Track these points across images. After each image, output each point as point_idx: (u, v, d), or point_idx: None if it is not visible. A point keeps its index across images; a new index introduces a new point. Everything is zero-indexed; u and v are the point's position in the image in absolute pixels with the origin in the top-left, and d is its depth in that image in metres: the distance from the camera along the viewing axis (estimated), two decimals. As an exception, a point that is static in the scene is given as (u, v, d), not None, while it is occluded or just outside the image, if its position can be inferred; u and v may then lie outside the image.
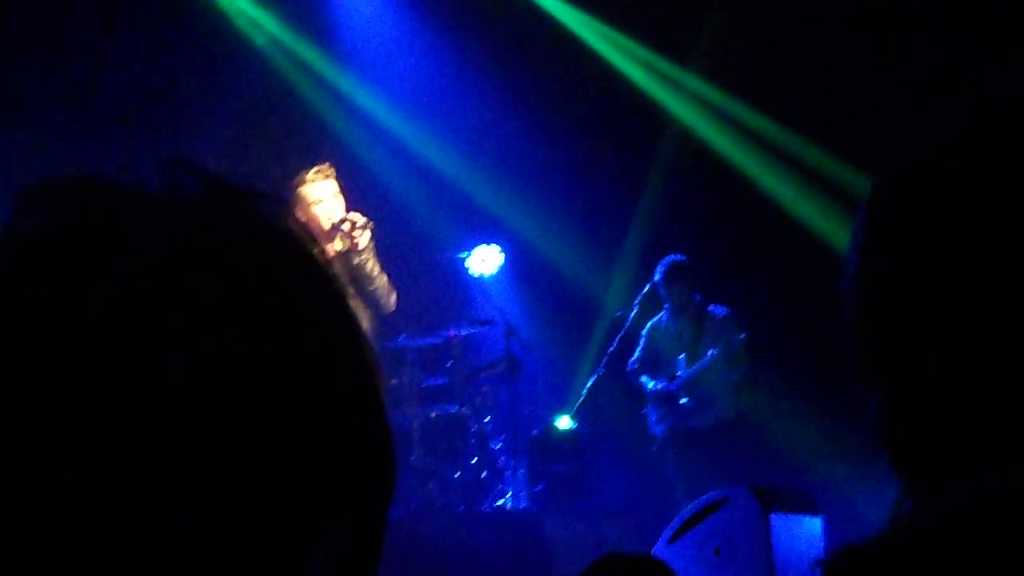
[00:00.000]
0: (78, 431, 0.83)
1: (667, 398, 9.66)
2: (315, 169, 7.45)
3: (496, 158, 11.46)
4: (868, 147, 10.05)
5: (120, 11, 10.50)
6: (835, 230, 10.69)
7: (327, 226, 7.40)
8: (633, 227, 11.53)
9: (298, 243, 0.95)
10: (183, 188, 0.94)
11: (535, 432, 10.29)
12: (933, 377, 1.18)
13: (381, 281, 7.46)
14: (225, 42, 11.01)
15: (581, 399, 10.06)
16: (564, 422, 10.19)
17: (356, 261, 7.36)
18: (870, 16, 10.37)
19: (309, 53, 11.39)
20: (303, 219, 7.03)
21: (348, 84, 11.46)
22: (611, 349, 9.95)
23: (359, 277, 7.35)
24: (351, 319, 0.96)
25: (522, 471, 9.94)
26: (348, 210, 7.51)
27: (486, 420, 9.76)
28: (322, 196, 7.47)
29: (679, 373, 9.63)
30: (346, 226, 7.43)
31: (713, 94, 11.34)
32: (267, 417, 0.87)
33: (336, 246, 7.47)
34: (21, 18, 10.16)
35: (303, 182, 7.42)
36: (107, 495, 0.83)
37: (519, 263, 11.24)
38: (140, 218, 0.90)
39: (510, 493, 9.75)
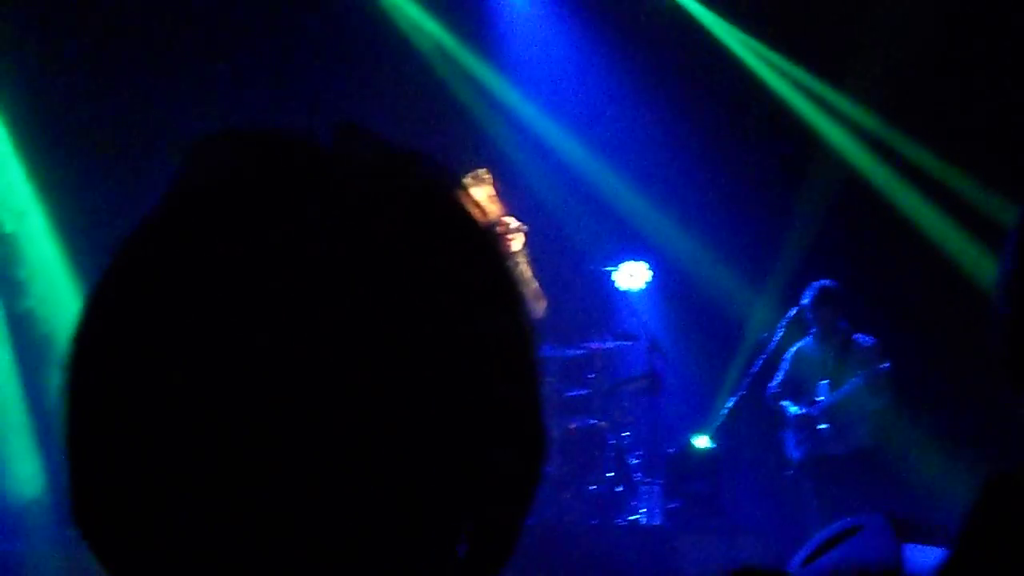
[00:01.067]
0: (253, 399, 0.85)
1: (807, 423, 9.57)
2: (472, 174, 7.45)
3: (650, 174, 11.45)
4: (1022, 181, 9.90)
5: (285, 10, 10.74)
6: (984, 267, 10.52)
7: None
8: (783, 250, 11.44)
9: (469, 214, 0.96)
10: (356, 150, 0.95)
11: (672, 450, 10.25)
12: None
13: (531, 287, 7.44)
14: (390, 45, 11.18)
15: (720, 419, 9.99)
16: (702, 441, 10.13)
17: None
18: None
19: (470, 59, 11.51)
20: None
21: (508, 91, 11.54)
22: (753, 371, 9.87)
23: None
24: (518, 298, 0.96)
25: (658, 487, 9.92)
26: (504, 215, 7.52)
27: (624, 434, 9.76)
28: (478, 200, 7.45)
29: (820, 399, 9.54)
30: (499, 229, 7.42)
31: (867, 119, 11.22)
32: (430, 391, 0.88)
33: None
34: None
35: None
36: (295, 457, 0.85)
37: (666, 280, 11.22)
38: (318, 175, 0.91)
39: (644, 509, 9.74)
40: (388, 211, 0.91)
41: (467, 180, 7.44)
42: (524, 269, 7.49)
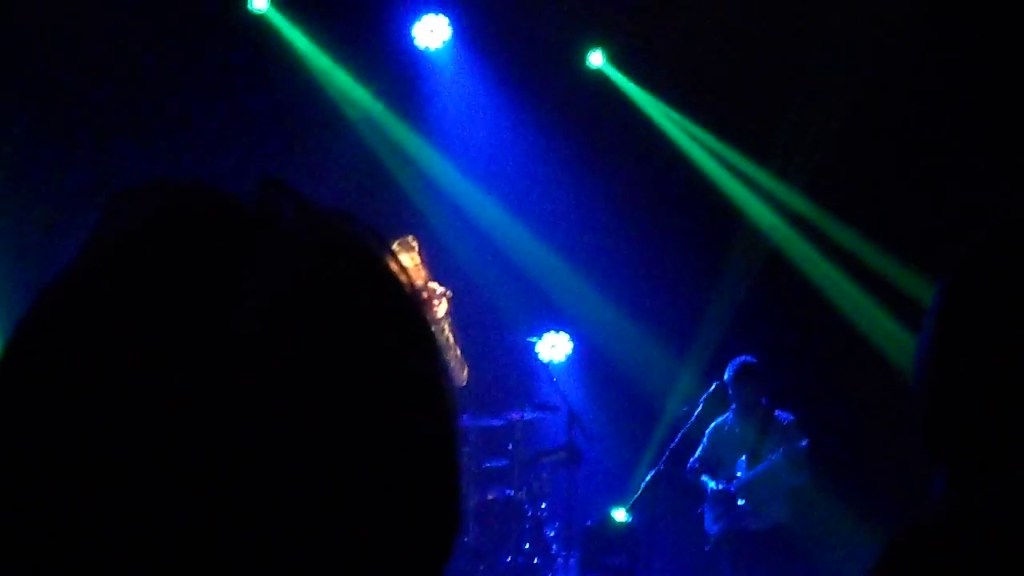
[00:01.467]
0: (159, 440, 0.83)
1: (725, 498, 9.58)
2: (399, 240, 7.47)
3: (574, 245, 11.49)
4: (945, 261, 10.01)
5: (217, 72, 10.71)
6: (902, 345, 10.64)
7: None
8: (704, 325, 11.50)
9: (392, 275, 0.95)
10: (278, 207, 0.93)
11: (590, 522, 10.22)
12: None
13: (454, 354, 7.38)
14: (319, 112, 11.19)
15: (639, 493, 9.96)
16: (620, 515, 10.11)
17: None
18: (947, 129, 10.39)
19: (398, 127, 11.53)
20: None
21: (434, 160, 11.58)
22: (672, 445, 9.86)
23: None
24: (434, 350, 0.95)
25: (574, 560, 9.87)
26: (429, 281, 7.48)
27: (542, 506, 9.72)
28: (404, 266, 7.32)
29: (739, 474, 9.57)
30: (424, 295, 7.39)
31: (790, 196, 11.34)
32: (344, 443, 0.87)
33: None
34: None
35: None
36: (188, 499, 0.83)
37: (587, 352, 11.23)
38: (239, 230, 0.90)
39: (560, 582, 9.69)
40: (309, 268, 0.89)
41: (394, 246, 7.34)
42: (448, 336, 7.46)
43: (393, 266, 0.96)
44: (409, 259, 7.47)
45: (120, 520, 0.83)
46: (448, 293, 7.33)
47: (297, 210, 0.94)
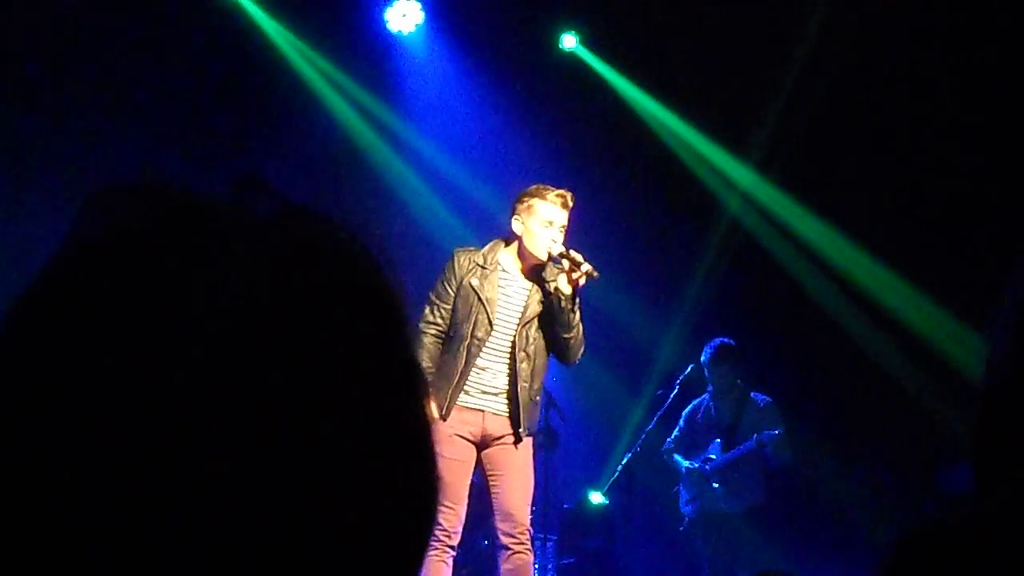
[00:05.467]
0: (121, 443, 0.83)
1: (700, 479, 9.61)
2: (559, 191, 6.86)
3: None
4: (917, 251, 10.09)
5: (189, 60, 10.67)
6: (876, 335, 10.71)
7: (543, 253, 6.77)
8: (681, 308, 11.52)
9: (369, 269, 0.95)
10: (254, 205, 0.94)
11: (567, 505, 10.24)
12: None
13: (579, 331, 6.87)
14: (295, 99, 11.16)
15: (615, 476, 9.98)
16: (597, 497, 10.13)
17: (563, 304, 6.73)
18: (917, 126, 10.43)
19: (372, 113, 11.52)
20: (524, 229, 6.62)
21: (409, 145, 11.57)
22: (649, 427, 9.88)
23: (560, 321, 6.78)
24: (408, 349, 0.96)
25: (551, 543, 9.88)
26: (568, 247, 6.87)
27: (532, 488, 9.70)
28: (554, 219, 6.78)
29: (713, 456, 9.59)
30: (565, 263, 6.78)
31: (764, 179, 11.36)
32: (321, 442, 0.87)
33: (544, 276, 6.86)
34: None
35: (543, 197, 6.80)
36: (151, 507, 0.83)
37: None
38: (212, 232, 0.90)
39: (538, 565, 9.68)
40: (283, 268, 0.89)
41: (553, 195, 6.82)
42: (578, 313, 6.82)
43: (370, 264, 0.95)
44: (563, 216, 6.84)
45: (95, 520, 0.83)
46: (596, 275, 6.81)
47: (273, 208, 0.94)
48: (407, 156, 11.60)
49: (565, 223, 6.87)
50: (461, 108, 11.65)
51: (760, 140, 11.18)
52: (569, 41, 11.54)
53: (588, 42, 11.56)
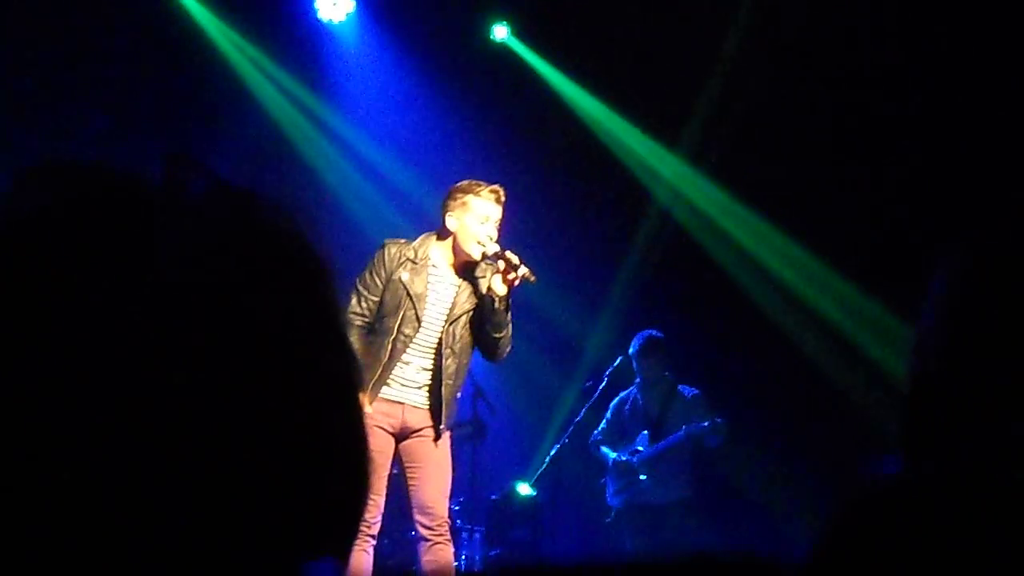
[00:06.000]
0: (71, 428, 0.82)
1: (627, 471, 9.64)
2: (492, 187, 6.83)
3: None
4: (847, 243, 10.17)
5: (119, 48, 10.58)
6: (801, 321, 10.78)
7: (477, 252, 6.75)
8: (609, 300, 11.55)
9: (301, 248, 0.94)
10: (186, 184, 0.92)
11: (495, 497, 10.24)
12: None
13: (508, 332, 6.83)
14: (226, 88, 11.08)
15: (543, 467, 10.00)
16: (525, 489, 10.14)
17: (497, 305, 6.72)
18: (849, 109, 10.50)
19: (303, 101, 11.47)
20: (458, 226, 6.57)
21: (340, 134, 11.53)
22: (577, 419, 9.89)
23: (491, 321, 6.74)
24: (340, 329, 0.95)
25: (479, 535, 9.89)
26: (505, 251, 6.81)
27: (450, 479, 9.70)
28: (490, 214, 6.78)
29: (640, 448, 9.62)
30: (500, 264, 6.76)
31: (696, 175, 11.40)
32: (244, 424, 0.86)
33: (476, 275, 6.85)
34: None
35: (477, 193, 6.77)
36: (105, 491, 0.82)
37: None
38: (141, 209, 0.89)
39: (465, 555, 9.69)
40: (214, 245, 0.88)
41: (487, 191, 6.81)
42: (508, 313, 6.79)
43: (300, 242, 0.94)
44: (497, 211, 6.84)
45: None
46: (532, 279, 6.74)
47: (205, 186, 0.93)
48: (338, 145, 11.55)
49: (499, 218, 6.86)
50: (392, 98, 11.61)
51: (691, 132, 11.21)
52: (500, 31, 11.53)
53: (519, 33, 11.55)
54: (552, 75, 11.60)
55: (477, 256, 6.78)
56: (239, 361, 0.86)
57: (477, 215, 6.77)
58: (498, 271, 6.74)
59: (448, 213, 6.83)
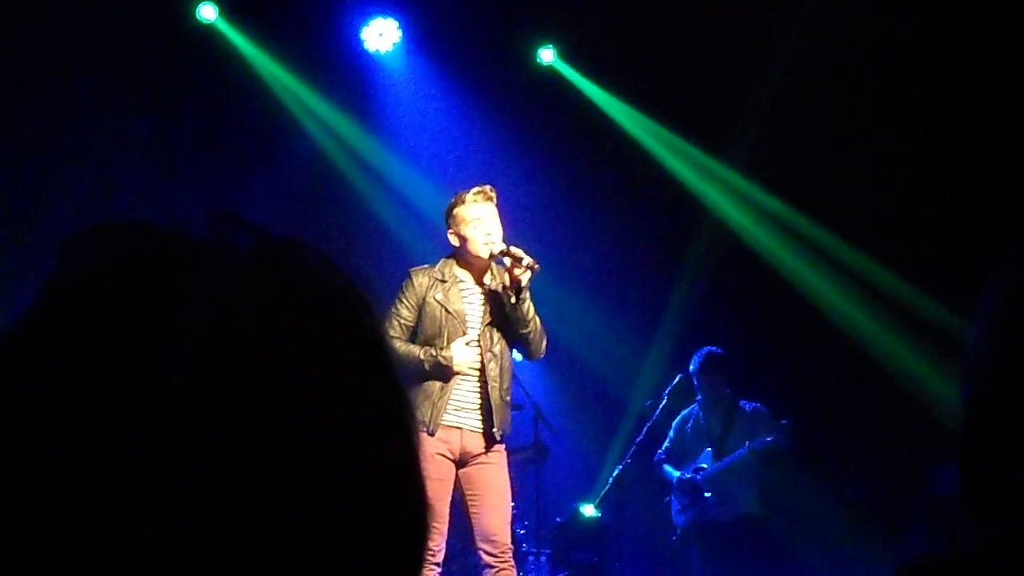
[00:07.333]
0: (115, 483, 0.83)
1: (691, 489, 9.60)
2: (475, 189, 6.98)
3: (532, 244, 11.43)
4: (903, 249, 10.09)
5: (166, 84, 10.66)
6: (867, 330, 10.68)
7: (484, 252, 6.91)
8: (666, 318, 11.51)
9: (348, 300, 0.94)
10: (231, 240, 0.93)
11: (559, 519, 10.22)
12: None
13: (536, 324, 6.96)
14: (274, 121, 11.14)
15: (607, 488, 9.96)
16: (589, 510, 10.11)
17: (513, 301, 6.83)
18: (901, 117, 10.44)
19: (352, 133, 11.49)
20: (460, 238, 6.72)
21: (389, 164, 11.54)
22: (639, 439, 9.86)
23: (515, 318, 6.87)
24: (393, 375, 0.95)
25: (545, 558, 9.87)
26: (508, 243, 6.97)
27: (511, 505, 9.70)
28: (481, 214, 6.91)
29: (704, 466, 9.58)
30: (507, 261, 6.88)
31: (749, 188, 11.35)
32: (300, 482, 0.86)
33: (488, 281, 7.00)
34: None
35: (462, 202, 6.94)
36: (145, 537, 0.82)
37: (551, 349, 11.21)
38: (190, 269, 0.89)
39: (531, 579, 9.69)
40: (262, 302, 0.89)
41: (470, 195, 6.95)
42: (531, 306, 6.95)
43: (348, 290, 0.95)
44: (488, 208, 6.96)
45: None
46: (537, 267, 6.86)
47: (250, 242, 0.93)
48: (387, 177, 11.57)
49: (495, 214, 7.02)
50: (440, 126, 11.64)
51: (742, 144, 11.17)
52: (547, 55, 11.55)
53: (566, 55, 11.56)
54: (599, 96, 11.60)
55: (485, 256, 6.95)
56: (290, 422, 0.86)
57: (470, 221, 6.93)
58: (507, 269, 6.84)
59: (449, 232, 7.02)
